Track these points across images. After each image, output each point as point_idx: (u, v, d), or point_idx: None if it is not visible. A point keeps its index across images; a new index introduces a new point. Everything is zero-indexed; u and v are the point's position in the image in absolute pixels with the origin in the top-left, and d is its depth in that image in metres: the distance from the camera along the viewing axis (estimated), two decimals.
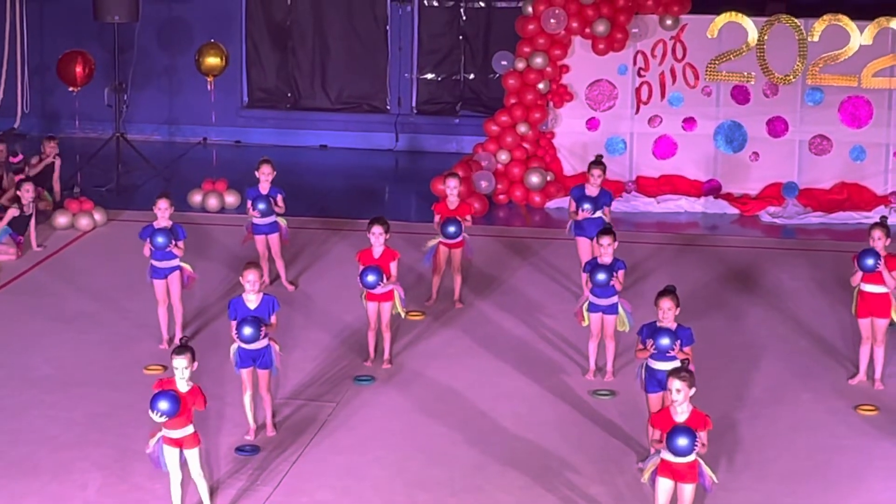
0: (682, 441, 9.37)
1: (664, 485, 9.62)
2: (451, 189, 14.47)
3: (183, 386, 9.98)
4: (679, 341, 10.78)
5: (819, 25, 18.45)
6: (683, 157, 18.95)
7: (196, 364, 10.10)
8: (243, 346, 11.29)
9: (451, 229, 14.19)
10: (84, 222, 17.12)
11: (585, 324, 12.73)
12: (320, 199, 18.66)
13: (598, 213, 14.38)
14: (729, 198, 18.67)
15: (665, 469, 9.58)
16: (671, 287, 11.14)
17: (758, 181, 18.77)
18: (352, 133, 21.90)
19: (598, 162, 14.72)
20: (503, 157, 18.71)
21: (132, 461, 10.89)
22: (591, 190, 14.49)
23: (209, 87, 20.28)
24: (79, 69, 19.45)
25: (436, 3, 21.89)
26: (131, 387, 12.36)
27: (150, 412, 9.81)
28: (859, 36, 18.38)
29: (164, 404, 9.74)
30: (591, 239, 13.88)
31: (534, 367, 13.08)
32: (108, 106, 20.39)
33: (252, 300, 11.34)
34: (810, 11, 18.66)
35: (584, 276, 12.72)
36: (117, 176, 19.31)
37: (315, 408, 12.07)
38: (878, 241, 12.37)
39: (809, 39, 18.49)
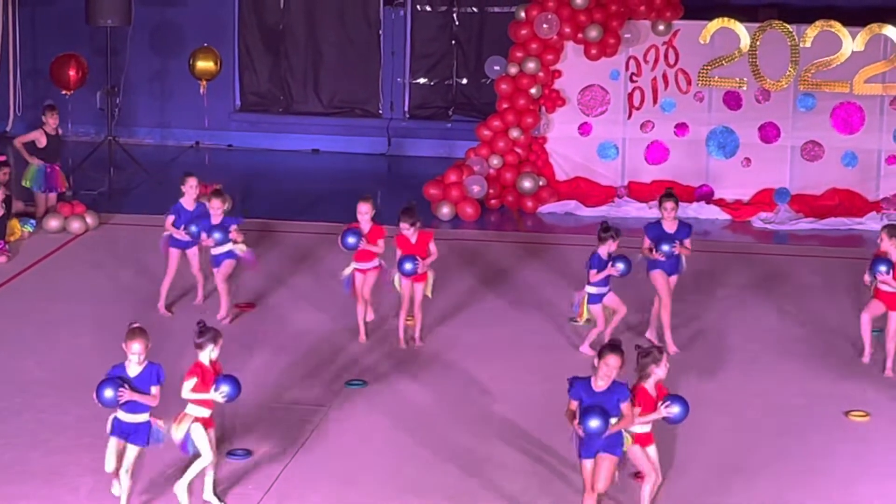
0: (678, 408, 9.96)
1: (639, 450, 10.04)
2: (362, 215, 13.60)
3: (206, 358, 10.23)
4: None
5: (811, 31, 18.48)
6: (675, 162, 18.97)
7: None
8: (118, 415, 10.08)
9: (350, 240, 13.40)
10: (76, 226, 17.09)
11: (584, 319, 13.23)
12: (312, 203, 18.65)
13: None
14: (721, 203, 18.70)
15: (637, 439, 10.00)
16: (618, 342, 10.07)
17: (750, 187, 18.80)
18: (344, 137, 21.91)
19: (669, 195, 13.63)
20: (495, 161, 18.72)
21: None
22: (669, 225, 13.50)
23: (202, 90, 20.29)
24: (71, 72, 19.45)
25: (428, 8, 21.91)
26: None
27: (213, 393, 10.09)
28: (851, 42, 18.41)
29: (225, 388, 10.10)
30: (669, 274, 13.49)
31: (528, 370, 13.07)
32: (101, 109, 20.39)
33: (134, 369, 10.12)
34: (803, 17, 18.70)
35: (592, 271, 13.07)
36: (109, 179, 19.31)
37: (306, 412, 12.03)
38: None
39: (802, 45, 18.52)
